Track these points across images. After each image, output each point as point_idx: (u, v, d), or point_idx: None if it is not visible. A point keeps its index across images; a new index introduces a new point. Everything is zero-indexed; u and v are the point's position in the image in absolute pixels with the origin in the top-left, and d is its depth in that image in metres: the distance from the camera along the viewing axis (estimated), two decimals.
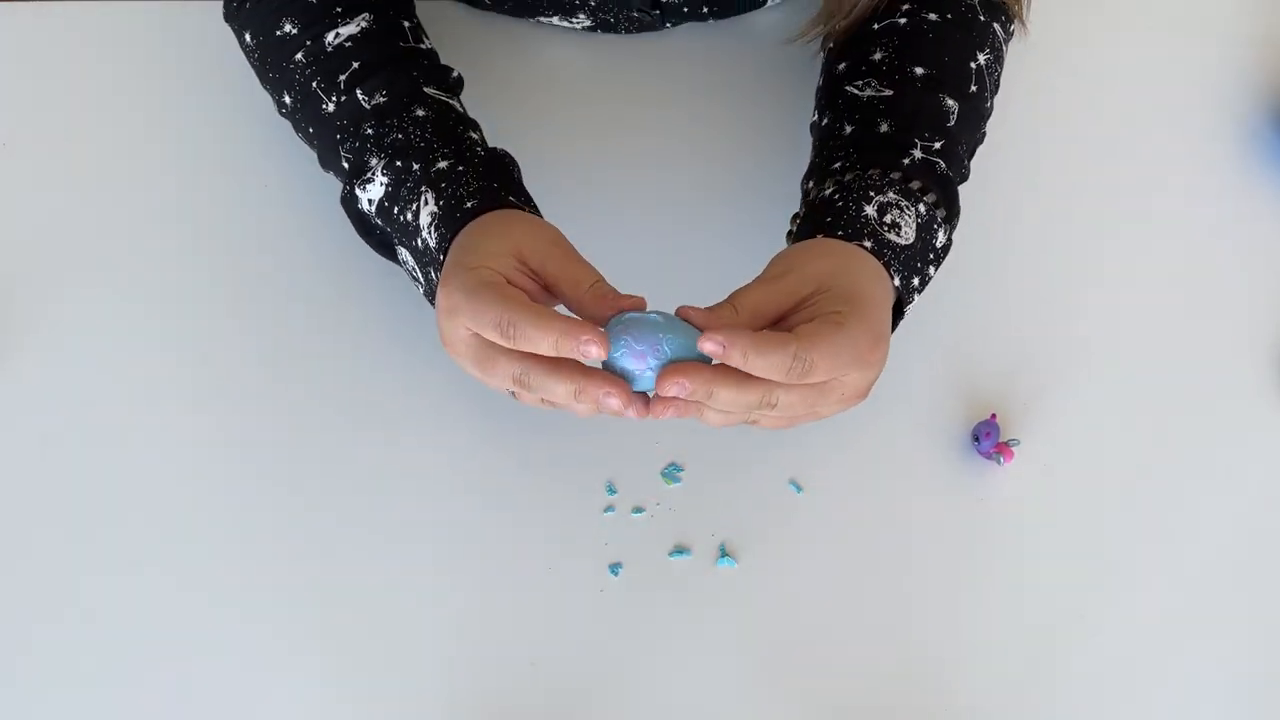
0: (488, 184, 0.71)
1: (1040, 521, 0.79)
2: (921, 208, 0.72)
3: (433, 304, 0.72)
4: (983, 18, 0.79)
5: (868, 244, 0.70)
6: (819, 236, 0.71)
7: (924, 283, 0.73)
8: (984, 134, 0.80)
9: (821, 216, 0.71)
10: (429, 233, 0.70)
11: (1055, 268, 0.86)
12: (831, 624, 0.77)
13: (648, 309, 0.65)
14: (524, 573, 0.77)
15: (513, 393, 0.66)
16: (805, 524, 0.79)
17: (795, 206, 0.79)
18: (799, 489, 0.79)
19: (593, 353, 0.61)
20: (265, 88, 0.80)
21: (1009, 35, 0.82)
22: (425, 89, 0.75)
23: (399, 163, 0.72)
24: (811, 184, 0.76)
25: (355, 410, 0.80)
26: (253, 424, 0.79)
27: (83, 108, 0.87)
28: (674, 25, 0.90)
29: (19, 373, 0.80)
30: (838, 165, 0.74)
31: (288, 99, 0.77)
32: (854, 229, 0.70)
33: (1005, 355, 0.83)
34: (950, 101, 0.76)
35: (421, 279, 0.73)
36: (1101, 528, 0.79)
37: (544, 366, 0.63)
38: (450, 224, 0.69)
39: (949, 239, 0.74)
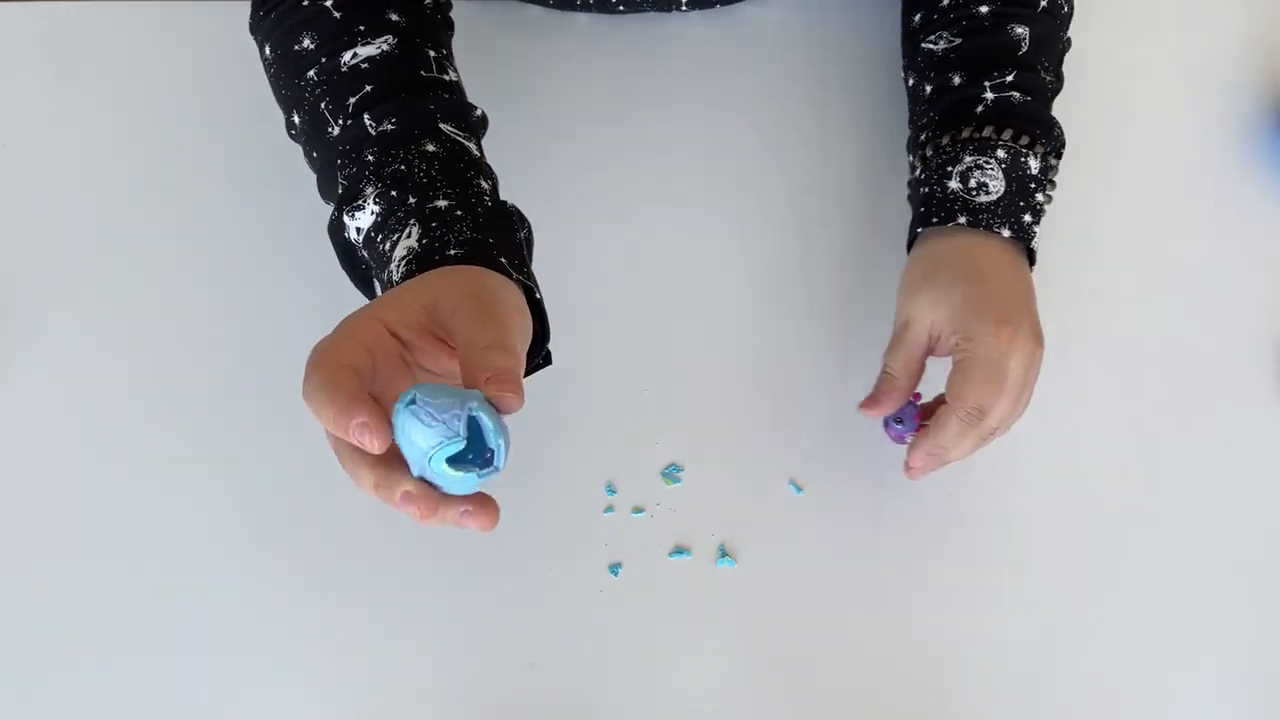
0: (482, 237, 0.64)
1: (1040, 522, 0.79)
2: (1001, 153, 0.74)
3: None
4: None
5: (963, 219, 0.74)
6: (921, 232, 0.76)
7: (1037, 212, 0.75)
8: (1068, 39, 0.81)
9: (916, 204, 0.77)
10: (396, 268, 0.64)
11: (1054, 267, 0.85)
12: (831, 624, 0.77)
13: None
14: (524, 573, 0.77)
15: None
16: (805, 524, 0.79)
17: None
18: (799, 489, 0.79)
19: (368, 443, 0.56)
20: (279, 105, 0.76)
21: None
22: (441, 125, 0.69)
23: (394, 193, 0.66)
24: (911, 157, 0.80)
25: None
26: (251, 424, 0.79)
27: (83, 108, 0.87)
28: (687, 9, 0.89)
29: (19, 373, 0.80)
30: (923, 136, 0.78)
31: (296, 119, 0.73)
32: (946, 211, 0.74)
33: None
34: (1019, 30, 0.77)
35: None
36: (1101, 528, 0.79)
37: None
38: (426, 266, 0.62)
39: (1045, 160, 0.76)
